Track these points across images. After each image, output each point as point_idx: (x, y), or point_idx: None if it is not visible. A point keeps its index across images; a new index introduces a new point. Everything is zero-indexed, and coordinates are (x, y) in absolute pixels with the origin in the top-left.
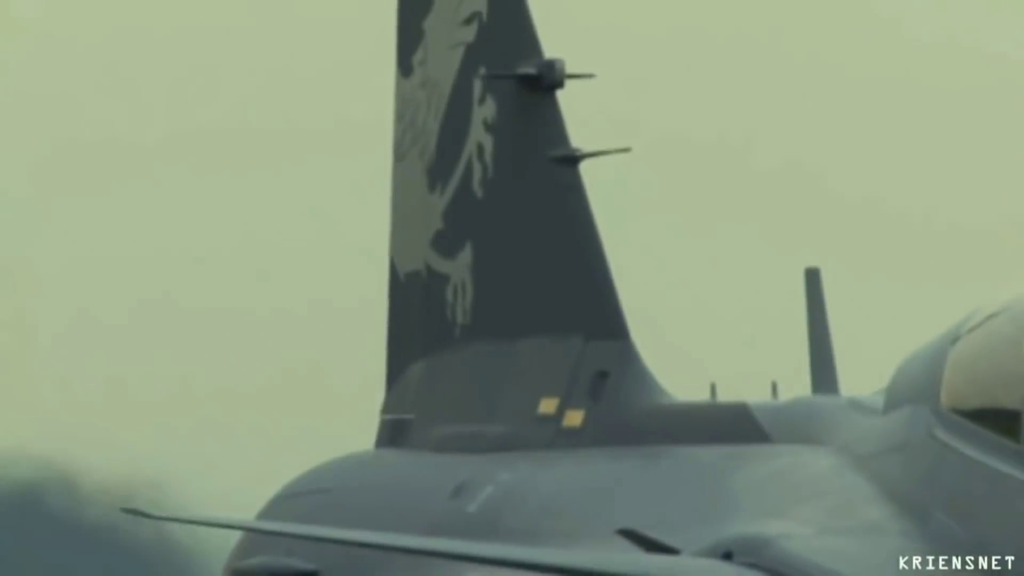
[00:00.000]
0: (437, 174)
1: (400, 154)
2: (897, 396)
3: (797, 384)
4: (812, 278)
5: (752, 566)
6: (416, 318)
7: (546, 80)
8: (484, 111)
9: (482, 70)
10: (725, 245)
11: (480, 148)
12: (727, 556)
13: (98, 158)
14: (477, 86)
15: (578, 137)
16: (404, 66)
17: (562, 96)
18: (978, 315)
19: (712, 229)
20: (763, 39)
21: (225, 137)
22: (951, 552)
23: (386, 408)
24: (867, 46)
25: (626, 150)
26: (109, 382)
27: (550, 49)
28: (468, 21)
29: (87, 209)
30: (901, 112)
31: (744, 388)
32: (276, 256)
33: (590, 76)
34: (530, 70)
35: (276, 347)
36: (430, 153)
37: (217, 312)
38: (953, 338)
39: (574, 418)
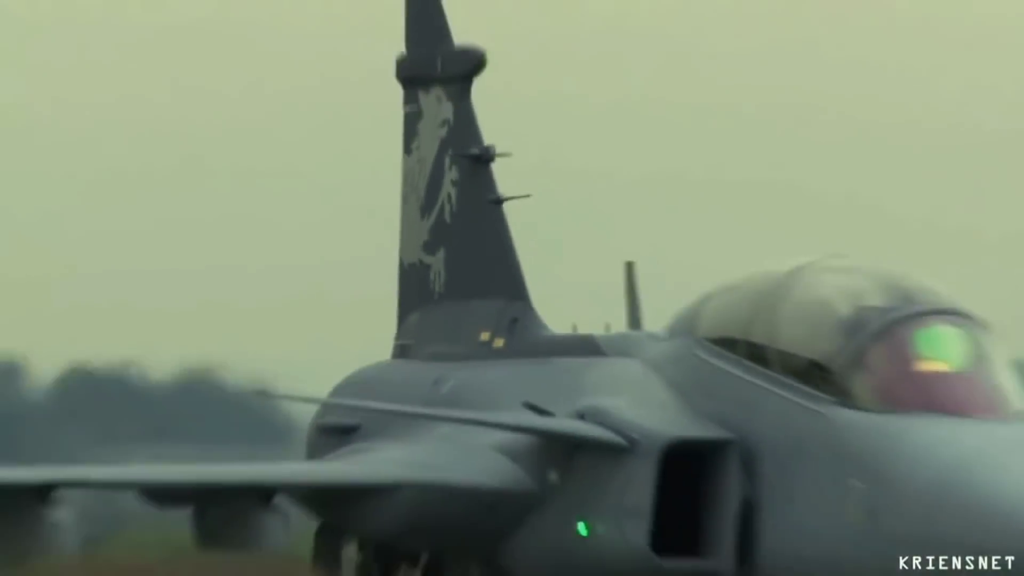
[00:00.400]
0: (425, 210)
1: (405, 199)
2: (674, 330)
3: (620, 326)
4: (629, 268)
5: (597, 423)
6: (414, 288)
7: (484, 157)
8: (451, 175)
9: (450, 151)
10: (583, 247)
11: (449, 196)
12: (581, 417)
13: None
14: (447, 161)
15: (502, 187)
16: (407, 149)
17: (494, 166)
18: (721, 285)
19: (575, 238)
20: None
21: (302, 203)
22: (702, 417)
23: (397, 338)
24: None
25: (527, 196)
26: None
27: (488, 138)
28: (442, 125)
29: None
30: (728, 120)
31: (591, 327)
32: (332, 256)
33: (509, 155)
34: (476, 151)
35: (336, 309)
36: (421, 198)
37: (283, 297)
38: (705, 298)
39: (499, 343)
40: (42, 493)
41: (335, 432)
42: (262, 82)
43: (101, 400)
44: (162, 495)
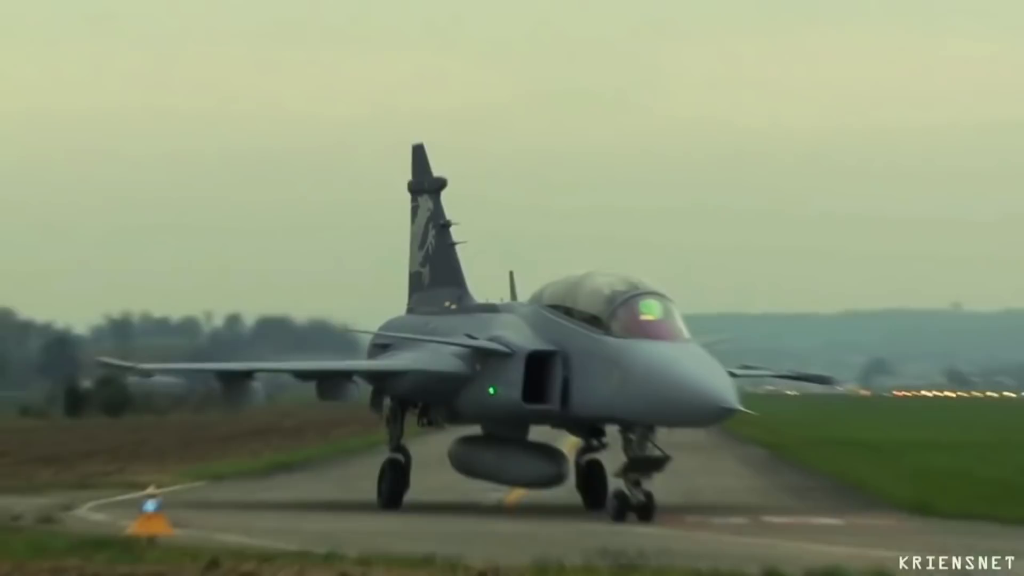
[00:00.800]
0: (420, 247)
1: (411, 243)
2: (531, 301)
3: (507, 299)
4: (511, 274)
5: (497, 343)
6: (415, 283)
7: (447, 224)
8: (432, 233)
9: (432, 223)
10: (492, 264)
11: (431, 242)
12: (491, 340)
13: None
14: (430, 227)
15: (456, 237)
16: (413, 221)
17: (452, 228)
18: (551, 280)
19: (487, 259)
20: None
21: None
22: (545, 341)
23: (408, 305)
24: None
25: (465, 241)
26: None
27: (450, 212)
28: (427, 211)
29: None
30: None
31: (495, 299)
32: (380, 267)
33: (459, 223)
34: (443, 222)
35: (381, 291)
36: (418, 242)
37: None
38: (545, 286)
39: (454, 307)
40: (248, 375)
41: (379, 347)
42: (351, 191)
43: (276, 333)
44: (302, 376)
